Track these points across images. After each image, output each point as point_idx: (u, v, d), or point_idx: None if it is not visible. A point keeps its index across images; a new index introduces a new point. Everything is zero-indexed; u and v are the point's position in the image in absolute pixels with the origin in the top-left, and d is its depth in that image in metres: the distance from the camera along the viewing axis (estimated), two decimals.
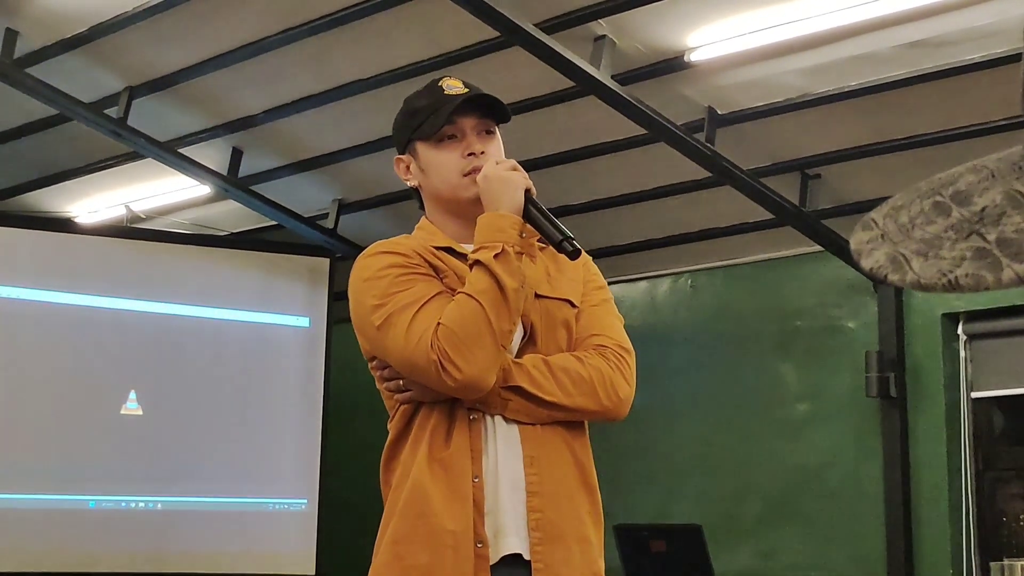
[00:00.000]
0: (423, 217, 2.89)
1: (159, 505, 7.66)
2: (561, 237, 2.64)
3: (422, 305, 2.61)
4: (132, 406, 7.66)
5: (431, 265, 2.72)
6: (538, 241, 2.82)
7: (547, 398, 2.63)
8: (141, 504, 7.63)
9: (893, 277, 0.90)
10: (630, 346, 2.82)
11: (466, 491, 2.59)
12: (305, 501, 7.89)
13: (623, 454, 7.69)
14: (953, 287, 0.84)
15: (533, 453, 2.64)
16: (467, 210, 2.74)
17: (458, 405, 2.63)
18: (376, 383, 2.81)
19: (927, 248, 0.87)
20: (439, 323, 2.55)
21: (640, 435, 7.68)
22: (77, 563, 7.46)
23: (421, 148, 2.81)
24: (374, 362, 2.78)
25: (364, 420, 8.75)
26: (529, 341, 2.71)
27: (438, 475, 2.60)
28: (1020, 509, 6.71)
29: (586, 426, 2.78)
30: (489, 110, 2.82)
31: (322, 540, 7.83)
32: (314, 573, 7.80)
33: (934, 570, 6.66)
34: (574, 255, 2.65)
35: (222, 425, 7.84)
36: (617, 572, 6.23)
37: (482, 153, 2.75)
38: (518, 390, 2.62)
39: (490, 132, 2.82)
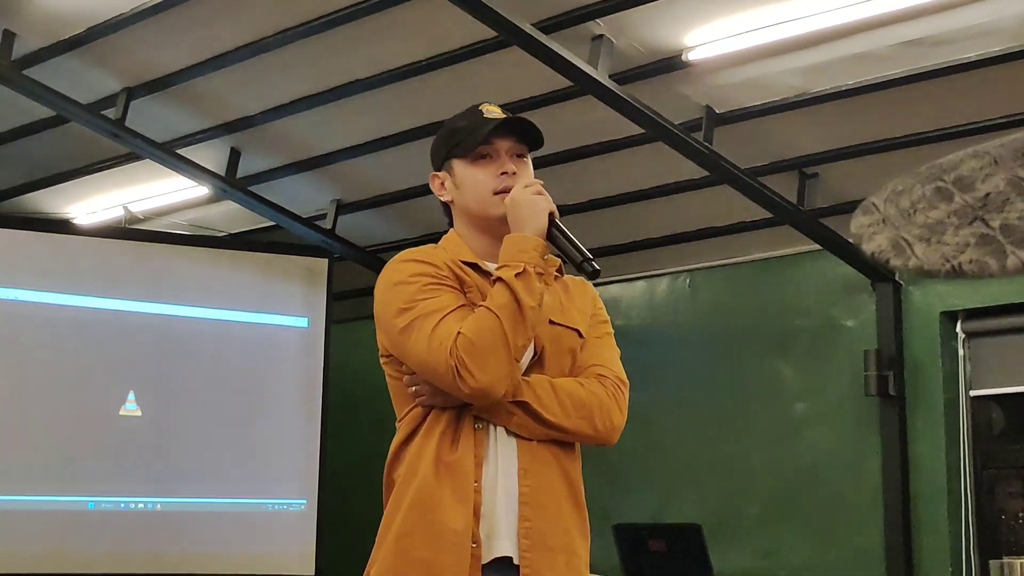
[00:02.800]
0: (451, 230, 3.01)
1: (158, 506, 7.66)
2: (582, 258, 2.80)
3: (446, 314, 2.74)
4: (131, 407, 7.66)
5: (457, 278, 2.86)
6: (554, 271, 2.99)
7: (549, 417, 2.78)
8: (140, 505, 7.62)
9: (895, 262, 0.90)
10: (626, 379, 2.95)
11: (468, 494, 2.72)
12: (304, 501, 7.89)
13: (622, 453, 7.67)
14: (956, 273, 0.84)
15: (527, 466, 2.78)
16: (495, 227, 2.89)
17: (466, 413, 2.77)
18: (387, 381, 2.92)
19: (930, 233, 0.86)
20: (459, 332, 2.69)
21: (639, 434, 7.68)
22: (76, 564, 7.45)
23: (457, 165, 2.95)
24: (389, 358, 2.90)
25: (363, 420, 8.77)
26: (538, 362, 2.85)
27: (444, 477, 2.73)
28: (1019, 507, 6.72)
29: (578, 449, 2.93)
30: (524, 135, 2.97)
31: (321, 541, 7.83)
32: (313, 574, 7.79)
33: (933, 568, 6.66)
34: (593, 275, 2.81)
35: (221, 426, 7.84)
36: (617, 571, 6.24)
37: (514, 174, 2.91)
38: (523, 405, 2.77)
39: (522, 156, 2.98)
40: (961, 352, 6.80)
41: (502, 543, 2.72)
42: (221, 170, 7.43)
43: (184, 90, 6.79)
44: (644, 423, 7.69)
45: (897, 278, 6.87)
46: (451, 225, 3.03)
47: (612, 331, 3.04)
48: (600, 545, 6.21)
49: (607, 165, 6.85)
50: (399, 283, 2.84)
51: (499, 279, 2.75)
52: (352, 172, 7.47)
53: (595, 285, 3.07)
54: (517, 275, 2.73)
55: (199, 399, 7.82)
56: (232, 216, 8.29)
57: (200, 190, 7.85)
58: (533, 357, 2.84)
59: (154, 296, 7.82)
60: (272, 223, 8.07)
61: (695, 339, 7.70)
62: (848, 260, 6.81)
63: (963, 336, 6.80)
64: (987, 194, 0.86)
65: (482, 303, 2.75)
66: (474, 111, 2.97)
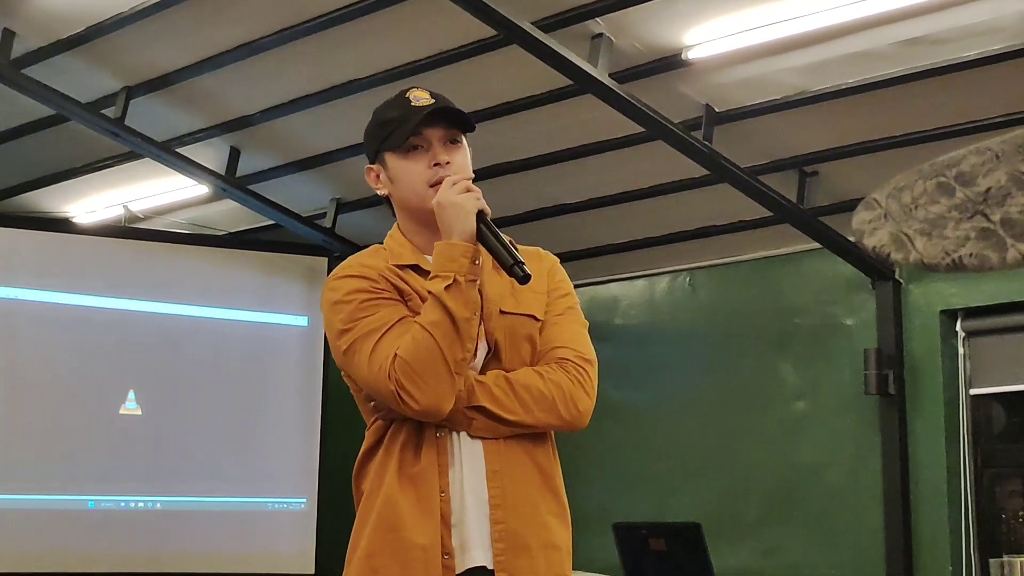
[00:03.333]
0: (395, 225, 2.95)
1: (158, 505, 7.67)
2: (512, 261, 2.67)
3: (384, 333, 2.68)
4: (131, 406, 7.67)
5: (396, 288, 2.78)
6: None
7: (509, 417, 2.71)
8: (140, 504, 7.63)
9: (896, 256, 0.90)
10: (592, 356, 2.85)
11: (434, 506, 2.67)
12: (304, 500, 7.90)
13: (622, 452, 7.70)
14: (957, 267, 0.84)
15: (496, 467, 2.71)
16: (434, 219, 2.77)
17: (426, 423, 2.71)
18: (352, 392, 2.90)
19: (931, 228, 0.87)
20: (396, 354, 2.63)
21: (639, 433, 7.69)
22: (76, 563, 7.46)
23: (389, 158, 2.86)
24: (347, 374, 2.87)
25: (363, 419, 8.76)
26: (494, 357, 2.77)
27: (408, 490, 2.69)
28: (1019, 506, 6.72)
29: (551, 432, 2.84)
30: (454, 121, 2.87)
31: (321, 539, 7.83)
32: (313, 572, 7.80)
33: (933, 567, 6.65)
34: (524, 280, 2.67)
35: (221, 425, 7.84)
36: (616, 570, 6.23)
37: (447, 163, 2.81)
38: (481, 410, 2.70)
39: (456, 142, 2.87)
40: (961, 351, 6.80)
41: (475, 552, 2.67)
42: (221, 169, 7.43)
43: (184, 89, 6.79)
44: (644, 422, 7.70)
45: (897, 276, 6.87)
46: (394, 215, 2.96)
47: (576, 303, 2.93)
48: (599, 544, 6.23)
49: (607, 164, 6.85)
50: (337, 303, 2.78)
51: (430, 292, 2.67)
52: (352, 171, 7.46)
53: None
54: (447, 288, 2.64)
55: (199, 398, 7.83)
56: (232, 215, 8.29)
57: (200, 189, 7.85)
58: (488, 353, 2.77)
59: (154, 295, 7.82)
60: (272, 222, 8.07)
61: (695, 338, 7.70)
62: (848, 259, 6.81)
63: (963, 335, 6.80)
64: (988, 189, 0.86)
65: (416, 319, 2.67)
66: (402, 99, 2.86)
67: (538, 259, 2.92)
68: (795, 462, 7.15)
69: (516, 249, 2.71)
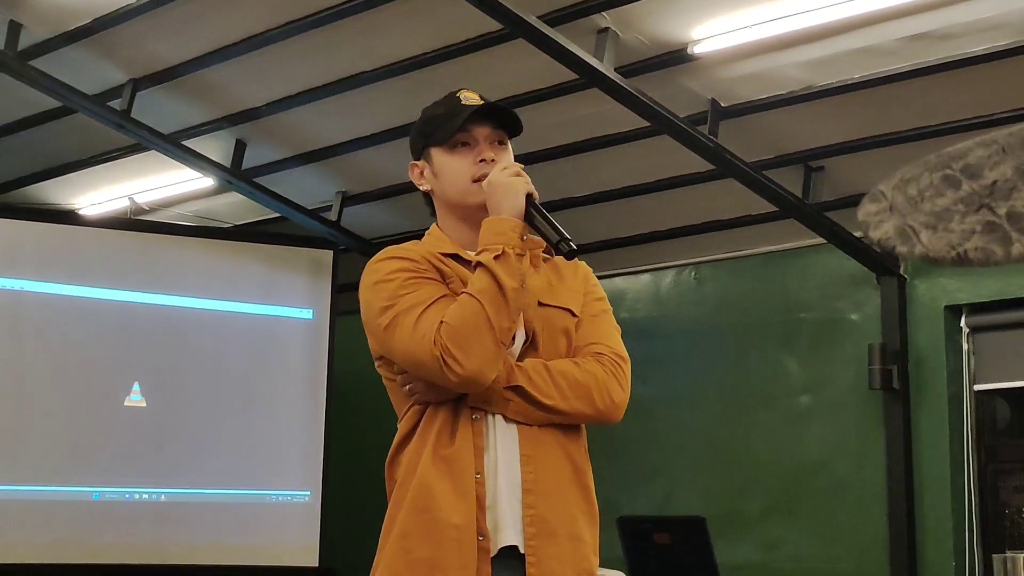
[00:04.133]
0: (433, 224, 2.99)
1: (162, 497, 7.67)
2: (559, 238, 2.76)
3: (428, 306, 2.72)
4: (136, 398, 7.67)
5: (438, 270, 2.83)
6: (542, 252, 2.95)
7: (545, 401, 2.74)
8: (145, 496, 7.64)
9: (901, 249, 0.90)
10: (626, 355, 2.90)
11: (469, 486, 2.69)
12: (308, 493, 7.90)
13: (627, 446, 7.70)
14: (962, 260, 0.84)
15: (529, 452, 2.74)
16: (475, 215, 2.85)
17: (462, 405, 2.74)
18: (384, 382, 2.91)
19: (936, 221, 0.87)
20: (442, 321, 2.66)
21: (643, 427, 7.69)
22: (80, 555, 7.47)
23: (435, 154, 2.91)
24: (381, 361, 2.89)
25: (367, 412, 8.76)
26: (531, 346, 2.82)
27: (443, 471, 2.70)
28: (1022, 501, 6.72)
29: (583, 430, 2.88)
30: (502, 122, 2.92)
31: (325, 532, 7.84)
32: (317, 565, 7.81)
33: (936, 562, 6.66)
34: (570, 255, 2.76)
35: (225, 417, 7.85)
36: (620, 564, 6.24)
37: (492, 161, 2.86)
38: (519, 390, 2.73)
39: (502, 143, 2.92)
40: (965, 346, 6.81)
41: (508, 533, 2.69)
42: (226, 161, 7.44)
43: (190, 81, 6.79)
44: (648, 415, 7.69)
45: (902, 272, 6.87)
46: (431, 215, 3.01)
47: (609, 308, 2.99)
48: (604, 537, 6.20)
49: (612, 158, 6.86)
50: (379, 282, 2.82)
51: (479, 263, 2.72)
52: (357, 164, 7.48)
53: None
54: (496, 257, 2.70)
55: (204, 390, 7.83)
56: (237, 207, 8.30)
57: (205, 181, 7.86)
58: (525, 342, 2.81)
59: (159, 287, 7.83)
60: (277, 215, 8.08)
61: (700, 332, 7.71)
62: (853, 254, 6.81)
63: (967, 330, 6.80)
64: (994, 182, 0.86)
65: (463, 290, 2.72)
66: (451, 98, 2.93)
67: (574, 265, 2.98)
68: (799, 456, 7.15)
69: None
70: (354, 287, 2.89)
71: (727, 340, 7.58)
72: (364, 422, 8.60)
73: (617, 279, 7.91)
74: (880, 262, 6.82)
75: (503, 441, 2.74)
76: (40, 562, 7.39)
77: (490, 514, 2.69)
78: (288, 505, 7.90)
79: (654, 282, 7.93)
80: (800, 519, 7.11)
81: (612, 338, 2.91)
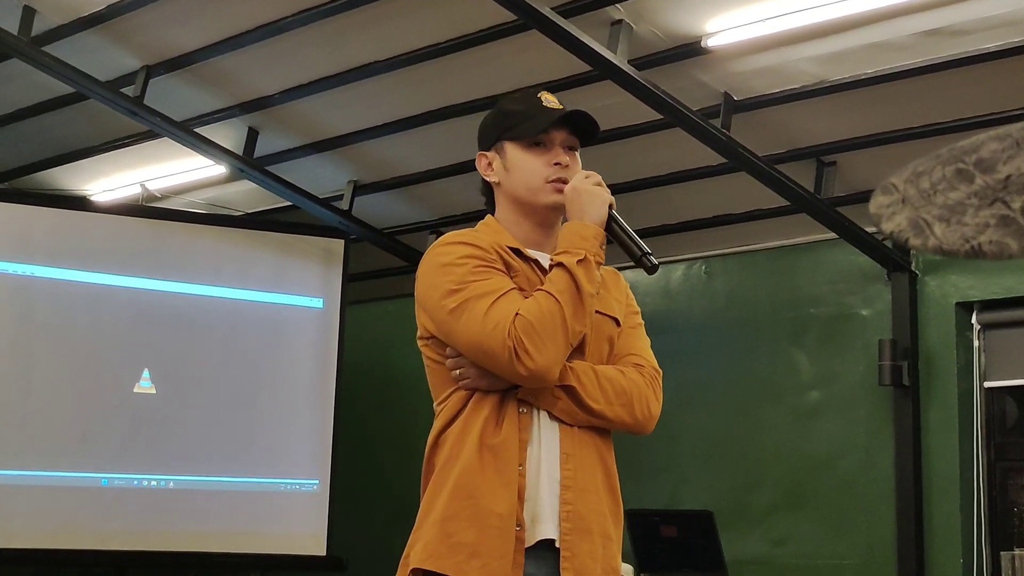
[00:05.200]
0: (489, 215, 3.02)
1: (171, 484, 7.69)
2: (641, 253, 2.87)
3: (500, 296, 2.75)
4: (145, 384, 7.68)
5: (504, 262, 2.86)
6: None
7: (592, 404, 2.81)
8: (153, 483, 7.65)
9: (915, 242, 0.90)
10: (659, 368, 3.01)
11: (512, 478, 2.74)
12: (317, 482, 7.91)
13: (635, 440, 7.67)
14: (976, 254, 0.84)
15: (569, 451, 2.80)
16: (541, 215, 2.93)
17: (510, 397, 2.79)
18: (425, 363, 2.93)
19: (950, 214, 0.86)
20: (518, 313, 2.70)
21: None
22: (89, 540, 7.49)
23: (510, 148, 2.95)
24: (430, 341, 2.90)
25: (376, 402, 8.79)
26: (578, 349, 2.85)
27: (488, 461, 2.75)
28: None
29: (611, 435, 2.95)
30: (578, 129, 2.98)
31: (333, 521, 7.84)
32: (325, 554, 7.81)
33: (944, 559, 6.66)
34: (652, 270, 2.87)
35: (235, 405, 7.86)
36: (628, 557, 6.25)
37: (566, 166, 2.91)
38: (569, 390, 2.79)
39: (573, 149, 2.98)
40: (976, 343, 6.80)
41: (545, 526, 2.74)
42: (239, 149, 7.44)
43: (203, 69, 6.80)
44: None
45: (913, 268, 6.86)
46: (488, 205, 3.04)
47: (643, 322, 3.08)
48: None
49: (624, 151, 6.85)
50: (447, 264, 2.83)
51: (560, 264, 2.77)
52: (370, 153, 7.48)
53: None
54: (579, 261, 2.75)
55: (213, 378, 7.84)
56: (249, 196, 8.31)
57: (217, 169, 7.86)
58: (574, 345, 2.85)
59: (170, 274, 7.84)
60: (289, 203, 8.08)
61: (710, 326, 7.70)
62: (864, 249, 6.80)
63: (978, 327, 6.80)
64: (1008, 176, 0.86)
65: (541, 287, 2.77)
66: (531, 97, 2.98)
67: (614, 276, 3.08)
68: (808, 452, 7.15)
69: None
70: (365, 276, 2.91)
71: (737, 334, 7.58)
72: (373, 411, 8.63)
73: (627, 272, 7.86)
74: (891, 258, 6.81)
75: (546, 437, 2.80)
76: (48, 548, 7.42)
77: (528, 506, 2.74)
78: (296, 494, 7.91)
79: (664, 276, 7.92)
80: (808, 514, 7.11)
81: (648, 351, 3.02)
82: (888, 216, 0.93)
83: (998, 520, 6.69)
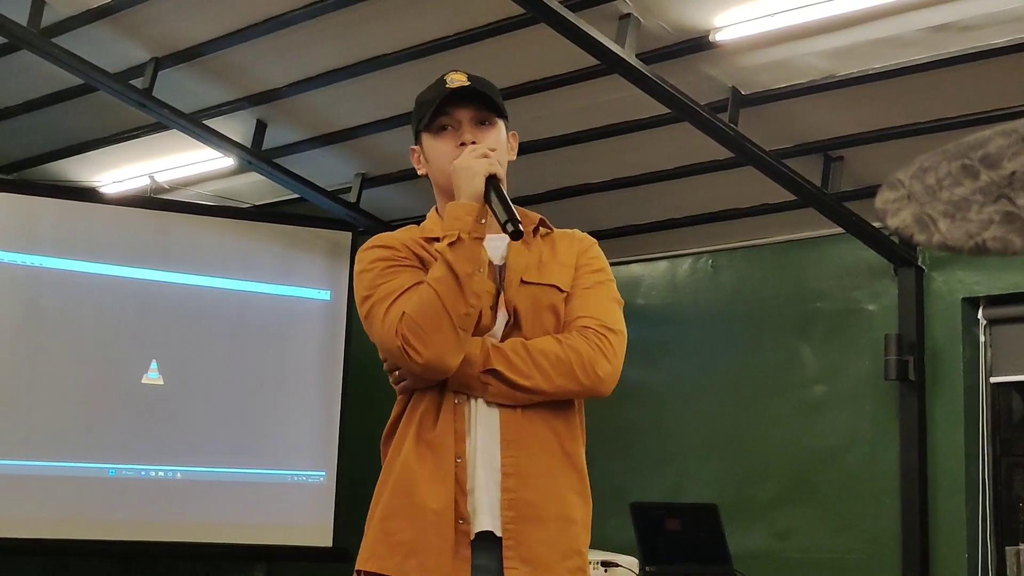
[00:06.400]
0: (433, 207, 3.00)
1: (178, 475, 7.71)
2: (507, 218, 2.69)
3: (398, 296, 2.74)
4: (153, 376, 7.71)
5: (418, 257, 2.84)
6: (541, 226, 2.95)
7: (523, 383, 2.72)
8: (160, 473, 7.67)
9: (919, 237, 0.91)
10: (617, 326, 2.84)
11: (448, 471, 2.71)
12: (323, 474, 7.93)
13: (640, 433, 7.71)
14: (980, 250, 0.85)
15: (511, 437, 2.74)
16: None
17: (446, 390, 2.75)
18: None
19: (954, 210, 0.87)
20: (403, 311, 2.70)
21: (657, 414, 7.70)
22: (95, 531, 7.51)
23: (425, 139, 2.94)
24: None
25: (383, 394, 8.78)
26: (514, 326, 2.80)
27: (424, 456, 2.73)
28: None
29: (578, 407, 2.86)
30: (485, 102, 2.90)
31: (339, 512, 7.86)
32: (331, 545, 7.84)
33: (949, 554, 6.66)
34: (515, 236, 2.70)
35: (242, 396, 7.88)
36: (632, 549, 6.26)
37: (473, 144, 2.83)
38: (496, 374, 2.72)
39: (488, 123, 2.90)
40: (982, 338, 6.80)
41: (484, 517, 2.70)
42: (247, 142, 7.45)
43: (212, 61, 6.80)
44: (662, 402, 7.71)
45: (920, 263, 6.86)
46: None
47: (609, 279, 2.93)
48: (617, 523, 6.25)
49: (632, 144, 6.85)
50: (361, 272, 2.87)
51: (437, 251, 2.74)
52: (377, 146, 7.49)
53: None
54: (450, 245, 2.69)
55: (221, 369, 7.87)
56: (257, 188, 8.32)
57: (225, 161, 7.87)
58: (508, 322, 2.80)
59: (178, 266, 7.86)
60: (296, 195, 8.09)
61: (716, 320, 7.71)
62: (871, 244, 6.81)
63: (984, 322, 6.80)
64: (1013, 172, 0.87)
65: (423, 278, 2.74)
66: (439, 81, 2.92)
67: (570, 238, 2.96)
68: (813, 446, 7.16)
69: (518, 214, 2.71)
70: None
71: (743, 328, 7.58)
72: (380, 403, 8.62)
73: (634, 266, 7.91)
74: (898, 253, 6.81)
75: (485, 425, 2.74)
76: (55, 537, 7.44)
77: (471, 498, 2.70)
78: (303, 485, 7.93)
79: (670, 269, 7.94)
80: (813, 508, 7.12)
81: (602, 310, 2.85)
82: (894, 212, 0.94)
83: (1003, 515, 6.70)
